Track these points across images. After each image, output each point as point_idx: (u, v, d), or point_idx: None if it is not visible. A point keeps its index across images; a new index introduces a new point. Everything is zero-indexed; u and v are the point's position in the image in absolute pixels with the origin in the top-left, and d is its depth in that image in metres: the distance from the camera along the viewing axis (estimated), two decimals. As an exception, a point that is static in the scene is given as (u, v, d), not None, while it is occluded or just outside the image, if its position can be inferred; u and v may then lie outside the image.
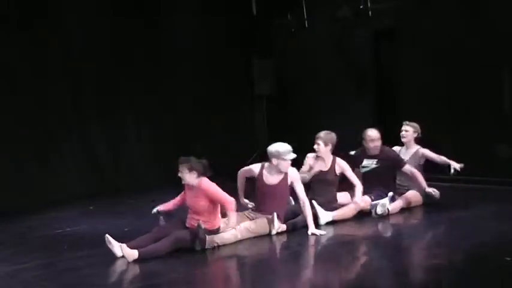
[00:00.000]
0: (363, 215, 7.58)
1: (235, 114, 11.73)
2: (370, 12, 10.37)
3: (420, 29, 9.99)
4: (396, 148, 8.24)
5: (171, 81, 11.22)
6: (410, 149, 8.15)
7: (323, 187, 7.49)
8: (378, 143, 7.87)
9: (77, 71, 10.35)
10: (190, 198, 6.59)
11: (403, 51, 10.31)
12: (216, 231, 6.57)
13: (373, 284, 5.45)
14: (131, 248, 6.16)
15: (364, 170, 7.95)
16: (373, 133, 7.89)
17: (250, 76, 11.78)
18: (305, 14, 11.26)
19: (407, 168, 7.85)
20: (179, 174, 6.55)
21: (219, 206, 6.61)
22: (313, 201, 7.23)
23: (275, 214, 6.87)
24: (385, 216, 7.59)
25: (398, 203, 7.81)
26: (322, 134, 7.51)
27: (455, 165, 7.77)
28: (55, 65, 10.13)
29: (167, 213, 6.87)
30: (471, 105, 9.42)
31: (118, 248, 6.19)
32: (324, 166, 7.52)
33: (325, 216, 7.28)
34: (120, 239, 6.27)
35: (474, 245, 6.32)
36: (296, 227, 7.10)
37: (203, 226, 6.37)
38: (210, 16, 11.45)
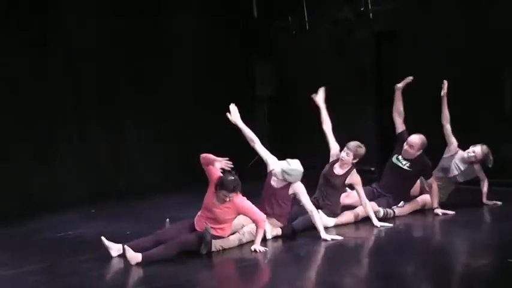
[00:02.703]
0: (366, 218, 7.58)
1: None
2: (370, 14, 10.37)
3: (420, 30, 9.99)
4: None
5: (172, 82, 11.20)
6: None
7: (329, 190, 7.49)
8: (414, 151, 7.78)
9: (77, 71, 10.33)
10: (217, 207, 6.46)
11: (404, 53, 10.31)
12: (223, 237, 6.58)
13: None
14: (132, 248, 6.15)
15: (395, 162, 7.91)
16: (414, 140, 7.83)
17: (251, 77, 11.77)
18: (306, 15, 11.24)
19: (431, 180, 7.82)
20: (225, 198, 6.40)
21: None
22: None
23: (265, 218, 6.78)
24: (391, 218, 7.59)
25: (407, 207, 7.83)
26: (353, 146, 7.47)
27: None
28: (55, 65, 10.11)
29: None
30: (472, 106, 9.42)
31: (113, 249, 6.21)
32: (340, 170, 7.52)
33: (326, 221, 7.29)
34: (122, 242, 6.26)
35: (476, 246, 6.34)
36: (295, 230, 7.12)
37: (211, 230, 6.36)
38: (211, 18, 11.42)
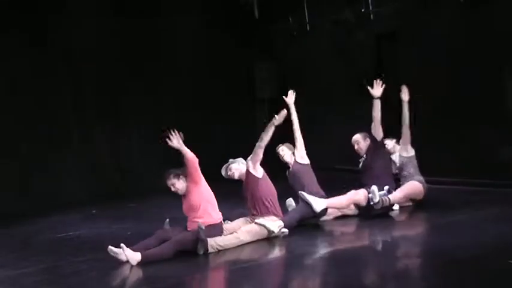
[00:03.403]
0: (367, 219, 7.59)
1: (236, 117, 11.71)
2: (371, 15, 10.36)
3: (421, 31, 9.98)
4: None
5: (172, 83, 11.22)
6: None
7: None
8: (358, 146, 7.99)
9: (77, 71, 10.35)
10: (185, 204, 6.64)
11: (404, 54, 10.31)
12: (219, 226, 6.59)
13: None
14: (135, 251, 6.15)
15: (360, 166, 8.08)
16: (354, 137, 8.06)
17: (252, 79, 11.78)
18: (307, 17, 11.25)
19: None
20: (173, 190, 6.62)
21: (214, 203, 6.65)
22: (303, 193, 7.31)
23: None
24: (387, 205, 7.64)
25: (399, 193, 7.85)
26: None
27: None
28: (55, 65, 10.13)
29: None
30: (473, 106, 9.41)
31: (123, 254, 6.18)
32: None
33: (319, 203, 7.34)
34: (123, 243, 6.25)
35: (476, 247, 6.33)
36: (293, 223, 7.14)
37: (203, 227, 6.37)
38: (211, 18, 11.43)
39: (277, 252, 6.74)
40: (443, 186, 8.86)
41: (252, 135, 12.07)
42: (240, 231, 6.73)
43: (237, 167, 7.04)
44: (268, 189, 6.99)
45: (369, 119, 9.15)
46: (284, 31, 11.61)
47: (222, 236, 6.61)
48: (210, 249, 6.44)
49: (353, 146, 8.04)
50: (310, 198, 7.31)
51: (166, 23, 11.15)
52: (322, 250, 6.82)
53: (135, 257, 6.11)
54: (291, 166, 7.68)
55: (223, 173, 7.09)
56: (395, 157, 8.30)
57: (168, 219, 6.79)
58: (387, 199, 7.67)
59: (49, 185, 9.75)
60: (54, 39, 10.10)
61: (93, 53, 10.43)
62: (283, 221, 7.02)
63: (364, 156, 8.01)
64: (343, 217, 7.74)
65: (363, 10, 10.38)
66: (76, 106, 10.38)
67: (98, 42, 10.48)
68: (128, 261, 6.13)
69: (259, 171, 6.96)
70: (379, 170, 7.90)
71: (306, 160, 7.68)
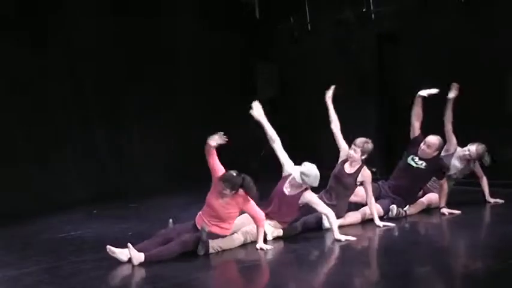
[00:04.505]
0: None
1: (237, 118, 11.69)
2: (372, 15, 10.36)
3: (422, 31, 9.98)
4: None
5: (173, 83, 11.22)
6: None
7: (340, 190, 7.44)
8: (431, 151, 7.81)
9: (77, 71, 10.35)
10: (219, 203, 6.50)
11: (406, 54, 10.31)
12: (223, 237, 6.58)
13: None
14: (139, 251, 6.16)
15: (410, 163, 7.91)
16: (432, 140, 7.84)
17: (253, 79, 11.77)
18: (308, 17, 11.25)
19: (443, 181, 7.85)
20: (225, 189, 6.42)
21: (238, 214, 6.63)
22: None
23: (264, 217, 6.75)
24: (402, 217, 7.65)
25: (414, 208, 7.87)
26: (360, 142, 7.48)
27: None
28: (55, 65, 10.14)
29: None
30: (474, 107, 9.40)
31: (122, 254, 6.19)
32: (350, 169, 7.49)
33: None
34: (124, 243, 6.27)
35: (478, 247, 6.33)
36: (297, 231, 7.12)
37: (207, 229, 6.37)
38: (212, 19, 11.43)
39: (278, 252, 6.74)
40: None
41: (253, 136, 12.14)
42: (241, 231, 6.73)
43: None
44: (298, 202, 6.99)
45: (369, 120, 9.19)
46: (285, 31, 11.61)
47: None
48: (211, 250, 6.45)
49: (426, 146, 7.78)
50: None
51: (166, 23, 11.15)
52: (325, 250, 6.82)
53: (139, 257, 6.12)
54: (344, 172, 7.52)
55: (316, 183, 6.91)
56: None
57: (171, 219, 6.80)
58: (403, 212, 7.69)
59: (49, 185, 9.76)
60: (55, 39, 10.11)
61: (93, 53, 10.43)
62: (295, 226, 7.08)
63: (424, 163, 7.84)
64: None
65: (364, 10, 10.38)
66: (76, 106, 10.39)
67: (98, 42, 10.49)
68: (128, 261, 6.14)
69: None
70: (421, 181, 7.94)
71: None
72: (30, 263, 6.39)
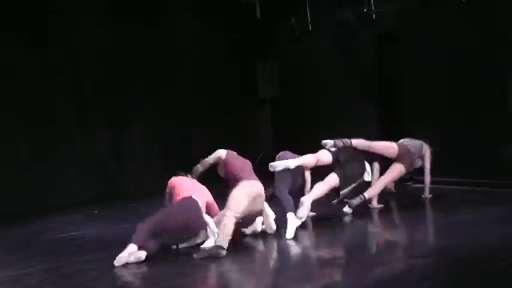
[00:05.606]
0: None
1: (238, 118, 11.72)
2: (373, 15, 10.36)
3: (423, 31, 9.97)
4: None
5: (173, 83, 11.22)
6: None
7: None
8: None
9: (78, 71, 10.36)
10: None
11: (406, 54, 10.31)
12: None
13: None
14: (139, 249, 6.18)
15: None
16: None
17: (254, 79, 11.78)
18: (309, 17, 11.24)
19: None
20: None
21: None
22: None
23: None
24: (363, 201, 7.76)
25: (372, 189, 7.92)
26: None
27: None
28: (55, 65, 10.14)
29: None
30: (474, 107, 9.42)
31: (131, 256, 6.17)
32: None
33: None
34: (125, 244, 6.27)
35: (478, 247, 6.32)
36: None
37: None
38: (213, 18, 11.44)
39: (279, 253, 6.75)
40: (443, 186, 8.87)
41: (254, 136, 12.17)
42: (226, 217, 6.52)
43: None
44: None
45: (370, 119, 9.23)
46: (286, 31, 11.61)
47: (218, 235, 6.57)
48: (212, 236, 6.50)
49: None
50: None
51: (167, 22, 11.17)
52: (324, 250, 6.82)
53: (141, 256, 6.15)
54: None
55: None
56: None
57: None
58: (362, 197, 7.75)
59: (50, 185, 9.77)
60: (55, 39, 10.12)
61: (93, 53, 10.45)
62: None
63: None
64: (342, 215, 7.76)
65: (365, 10, 10.37)
66: (77, 106, 10.40)
67: (98, 42, 10.50)
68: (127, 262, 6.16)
69: None
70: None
71: None
72: (32, 263, 6.40)
